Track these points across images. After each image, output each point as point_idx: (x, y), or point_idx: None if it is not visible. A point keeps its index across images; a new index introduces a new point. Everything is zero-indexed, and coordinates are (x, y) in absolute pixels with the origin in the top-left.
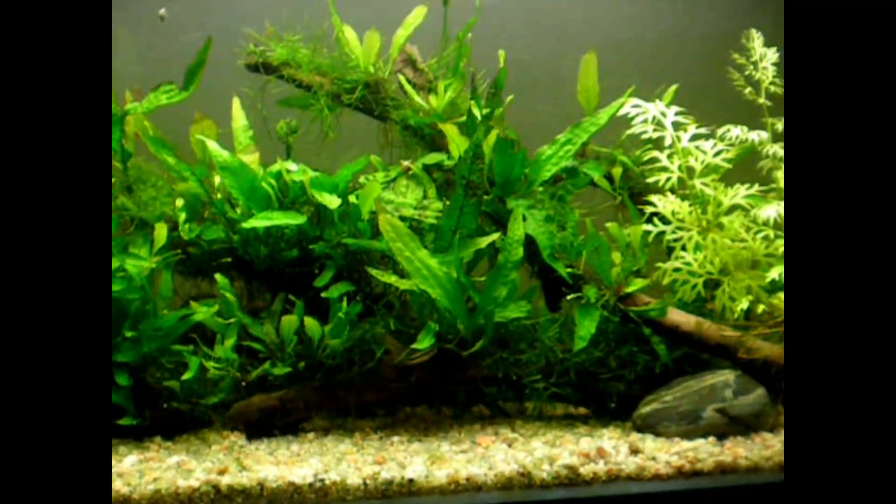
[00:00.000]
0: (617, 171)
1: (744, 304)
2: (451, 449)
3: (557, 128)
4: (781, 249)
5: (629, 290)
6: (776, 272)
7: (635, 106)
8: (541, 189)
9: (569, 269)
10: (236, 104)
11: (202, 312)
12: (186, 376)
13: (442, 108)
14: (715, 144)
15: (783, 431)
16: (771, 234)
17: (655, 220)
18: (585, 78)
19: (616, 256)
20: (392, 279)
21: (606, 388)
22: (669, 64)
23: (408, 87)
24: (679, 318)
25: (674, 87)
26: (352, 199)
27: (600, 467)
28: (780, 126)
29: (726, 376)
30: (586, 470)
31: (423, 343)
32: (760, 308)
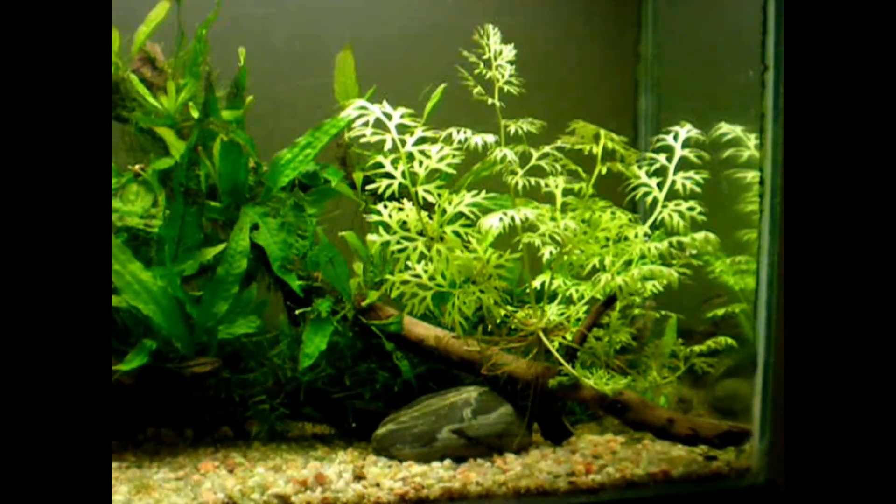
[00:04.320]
0: (358, 176)
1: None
2: (166, 476)
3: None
4: (546, 257)
5: (366, 302)
6: (539, 282)
7: (360, 108)
8: (284, 195)
9: (306, 282)
10: None
11: None
12: None
13: (175, 110)
14: (442, 148)
15: (533, 451)
16: (537, 241)
17: (381, 228)
18: (342, 76)
19: (358, 267)
20: None
21: (348, 407)
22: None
23: (140, 87)
24: (422, 331)
25: (442, 87)
26: None
27: (316, 495)
28: (512, 127)
29: (469, 394)
30: (300, 499)
31: (133, 363)
32: (516, 320)
